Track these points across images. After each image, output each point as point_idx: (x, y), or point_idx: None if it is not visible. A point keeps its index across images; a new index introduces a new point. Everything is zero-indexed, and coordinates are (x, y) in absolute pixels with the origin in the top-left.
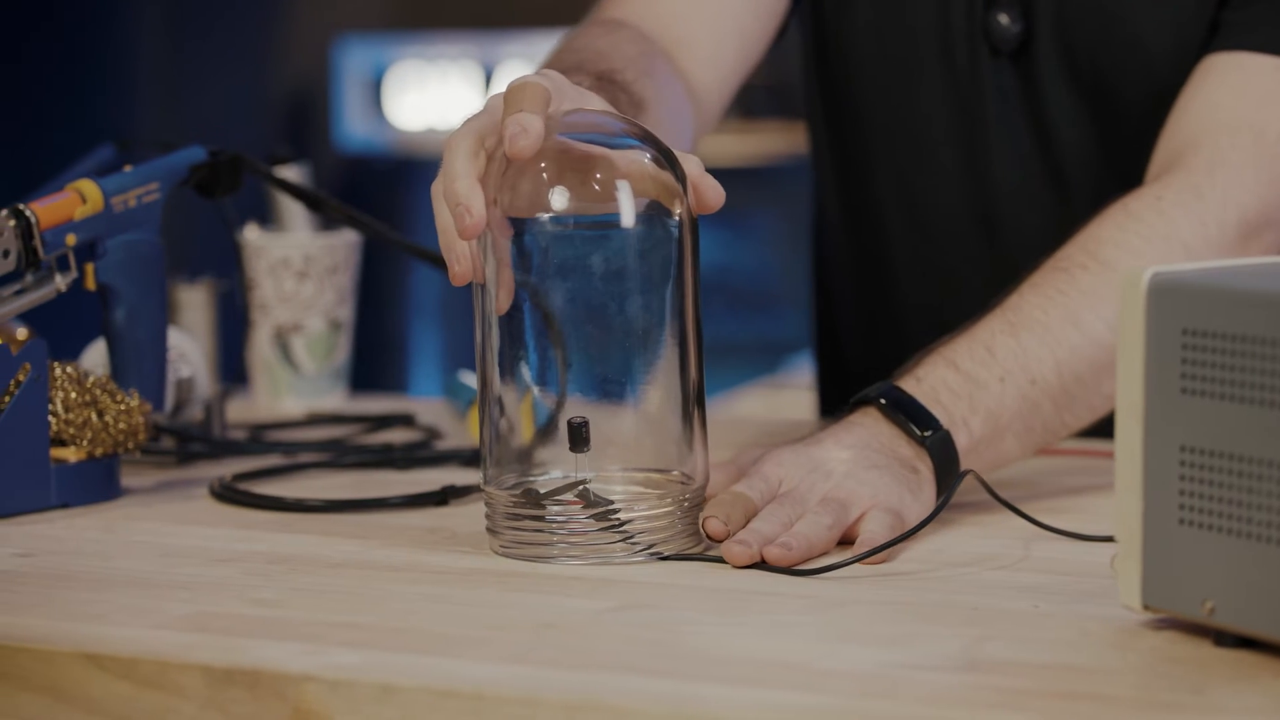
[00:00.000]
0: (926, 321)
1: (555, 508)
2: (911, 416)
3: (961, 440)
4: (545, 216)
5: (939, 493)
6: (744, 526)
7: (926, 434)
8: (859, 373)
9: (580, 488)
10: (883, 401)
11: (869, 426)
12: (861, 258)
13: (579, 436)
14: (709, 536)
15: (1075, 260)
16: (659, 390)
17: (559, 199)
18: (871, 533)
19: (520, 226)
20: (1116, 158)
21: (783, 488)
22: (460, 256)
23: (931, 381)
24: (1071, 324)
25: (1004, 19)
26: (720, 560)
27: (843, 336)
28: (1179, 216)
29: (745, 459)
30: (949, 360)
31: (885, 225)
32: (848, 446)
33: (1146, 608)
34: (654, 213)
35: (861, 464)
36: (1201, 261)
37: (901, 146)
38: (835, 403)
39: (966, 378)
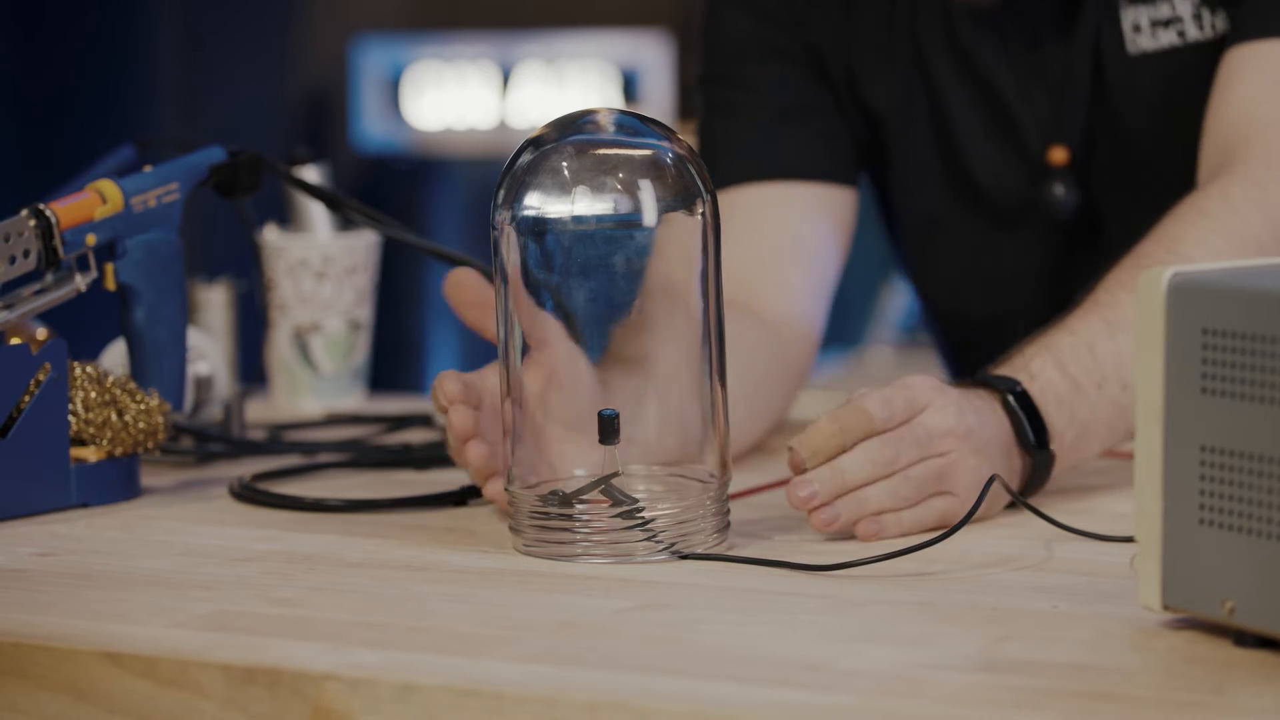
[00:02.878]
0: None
1: (581, 505)
2: (1032, 425)
3: (1055, 452)
4: (567, 216)
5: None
6: (836, 460)
7: (1039, 452)
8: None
9: (606, 484)
10: (1010, 399)
11: (998, 422)
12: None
13: (610, 429)
14: (791, 466)
15: (1157, 257)
16: (682, 389)
17: (581, 198)
18: (912, 518)
19: (542, 226)
20: None
21: (912, 426)
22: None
23: (1042, 383)
24: None
25: (1059, 190)
26: (740, 560)
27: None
28: (1249, 211)
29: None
30: (1058, 360)
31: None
32: (986, 443)
33: (1166, 608)
34: (676, 211)
35: (984, 470)
36: (1268, 252)
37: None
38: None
39: (1072, 383)
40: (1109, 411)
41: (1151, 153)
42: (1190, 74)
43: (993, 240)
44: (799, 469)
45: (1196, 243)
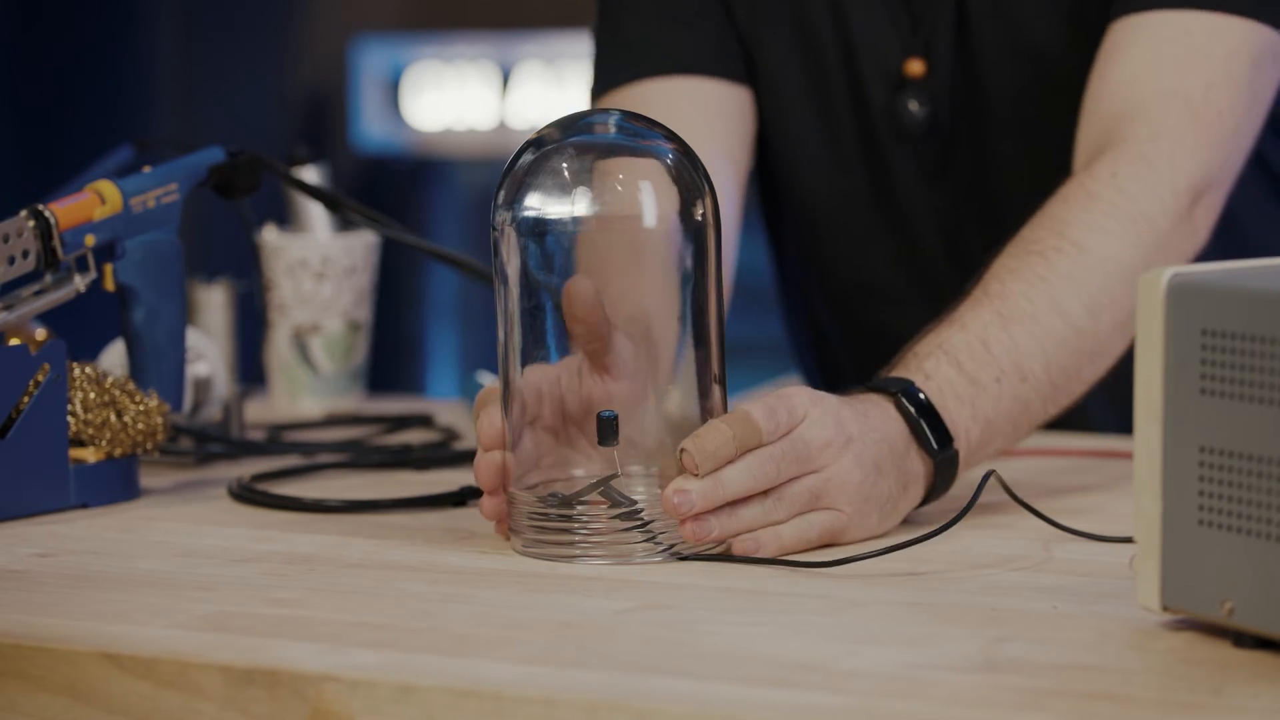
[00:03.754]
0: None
1: (581, 506)
2: (931, 426)
3: (960, 450)
4: (567, 217)
5: (922, 501)
6: (718, 471)
7: (941, 452)
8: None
9: (605, 485)
10: (904, 402)
11: (889, 427)
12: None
13: (609, 430)
14: (682, 465)
15: (1048, 243)
16: (681, 390)
17: (581, 199)
18: (793, 534)
19: (542, 227)
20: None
21: (792, 440)
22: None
23: (939, 381)
24: (1056, 313)
25: (913, 105)
26: (739, 560)
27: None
28: (1137, 191)
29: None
30: (952, 358)
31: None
32: (869, 452)
33: (1165, 608)
34: (676, 212)
35: (869, 482)
36: (1161, 230)
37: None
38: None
39: (969, 380)
40: (1011, 405)
41: (1006, 81)
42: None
43: (872, 179)
44: (692, 469)
45: (1085, 225)
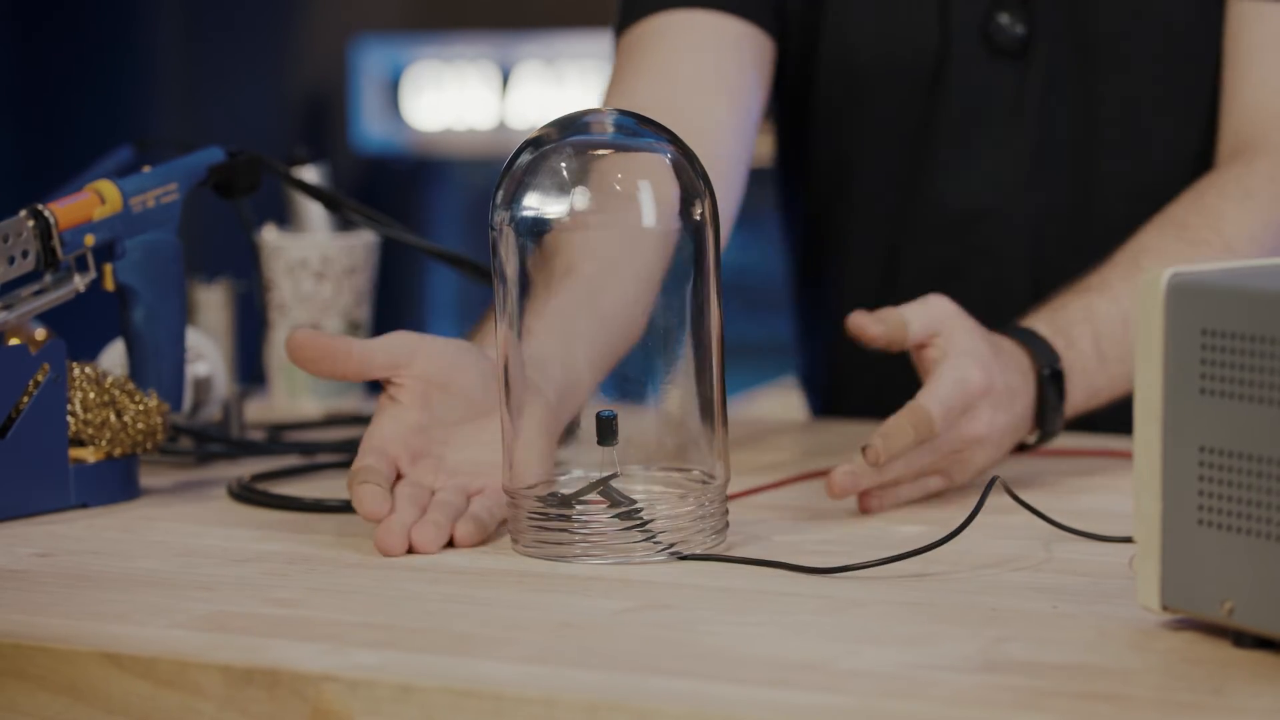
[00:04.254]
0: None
1: (580, 506)
2: (1054, 396)
3: (1066, 415)
4: (565, 216)
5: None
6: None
7: (1047, 430)
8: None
9: (605, 485)
10: (1044, 374)
11: (1025, 401)
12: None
13: (608, 430)
14: (869, 458)
15: (1201, 234)
16: (680, 389)
17: (579, 199)
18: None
19: (541, 226)
20: (1114, 143)
21: (953, 437)
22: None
23: (1076, 353)
24: None
25: (1005, 19)
26: (739, 560)
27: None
28: (1270, 217)
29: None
30: (1095, 331)
31: (869, 225)
32: (1005, 440)
33: (1165, 608)
34: (673, 212)
35: (991, 463)
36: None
37: (895, 148)
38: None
39: (1100, 357)
40: (1120, 383)
41: (1115, 18)
42: None
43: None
44: (875, 463)
45: (1238, 226)
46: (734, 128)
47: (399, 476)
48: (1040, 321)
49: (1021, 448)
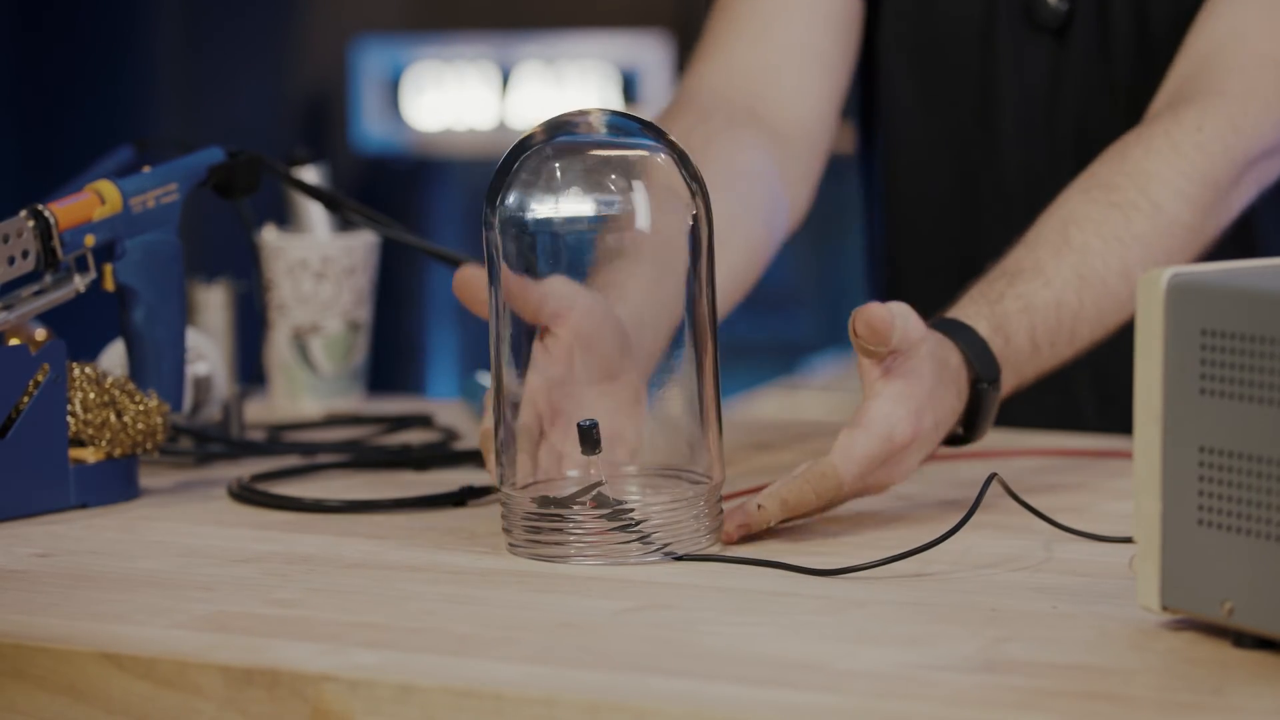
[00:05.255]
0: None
1: (574, 508)
2: (986, 417)
3: (992, 409)
4: (559, 216)
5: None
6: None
7: (974, 432)
8: None
9: (595, 490)
10: (981, 388)
11: (951, 411)
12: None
13: (589, 439)
14: (758, 521)
15: (1128, 196)
16: (675, 390)
17: (574, 199)
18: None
19: (533, 226)
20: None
21: (871, 484)
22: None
23: (1009, 350)
24: (1124, 279)
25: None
26: (736, 560)
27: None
28: (1217, 153)
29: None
30: (1031, 324)
31: (935, 206)
32: (939, 437)
33: (1165, 609)
34: (667, 212)
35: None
36: (1223, 196)
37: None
38: None
39: (1033, 349)
40: (1047, 366)
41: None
42: None
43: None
44: (766, 525)
45: (1164, 184)
46: (822, 99)
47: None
48: (981, 319)
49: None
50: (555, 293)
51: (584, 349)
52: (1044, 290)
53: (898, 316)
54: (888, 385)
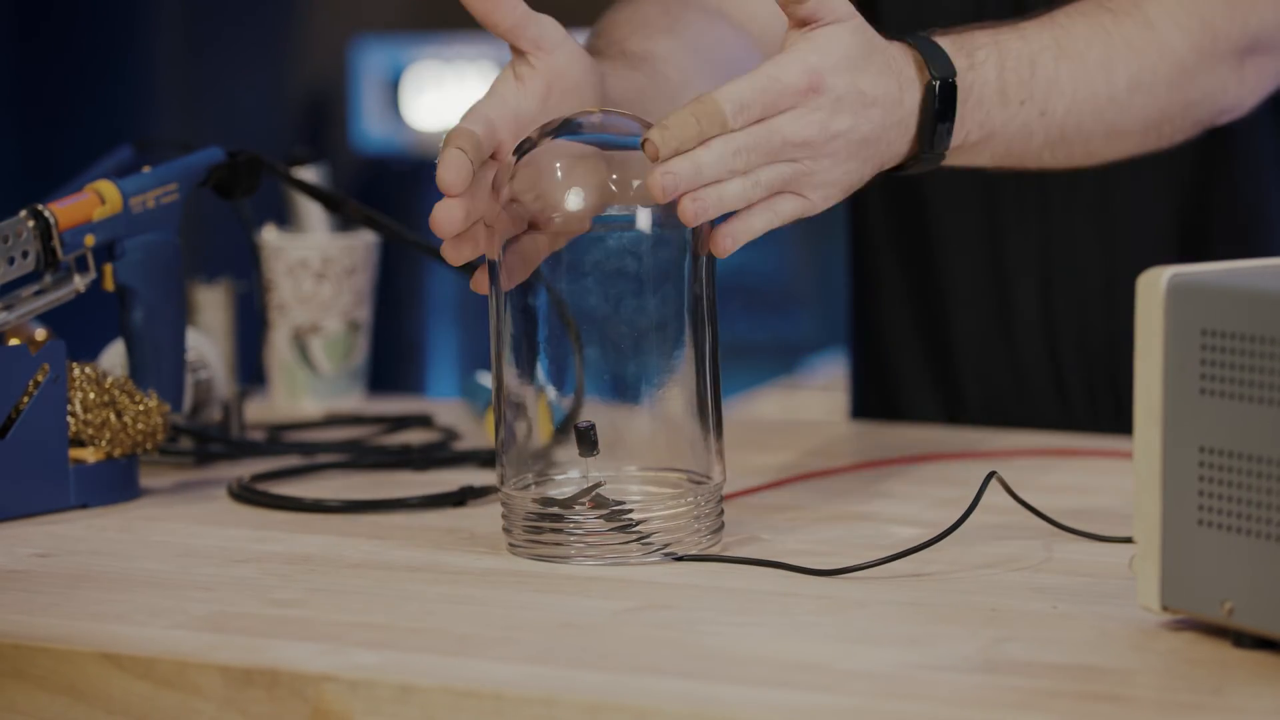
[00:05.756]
0: (972, 295)
1: (571, 510)
2: (941, 114)
3: (954, 142)
4: (560, 217)
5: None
6: (688, 155)
7: (930, 152)
8: (896, 369)
9: (594, 491)
10: (934, 84)
11: (897, 102)
12: (905, 236)
13: (587, 440)
14: (647, 155)
15: (1122, 5)
16: (675, 390)
17: (575, 199)
18: (762, 224)
19: (533, 226)
20: None
21: (765, 132)
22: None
23: (976, 76)
24: (1103, 70)
25: None
26: (736, 560)
27: (883, 331)
28: (1219, 4)
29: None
30: (1000, 62)
31: (929, 202)
32: (857, 144)
33: (1165, 609)
34: (669, 213)
35: (849, 175)
36: (1219, 49)
37: None
38: (871, 402)
39: (1000, 90)
40: (1017, 129)
41: None
42: None
43: None
44: (654, 159)
45: (1160, 6)
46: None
47: (493, 157)
48: (942, 37)
49: (897, 169)
50: (544, 23)
51: (560, 92)
52: (1019, 42)
53: None
54: (781, 50)
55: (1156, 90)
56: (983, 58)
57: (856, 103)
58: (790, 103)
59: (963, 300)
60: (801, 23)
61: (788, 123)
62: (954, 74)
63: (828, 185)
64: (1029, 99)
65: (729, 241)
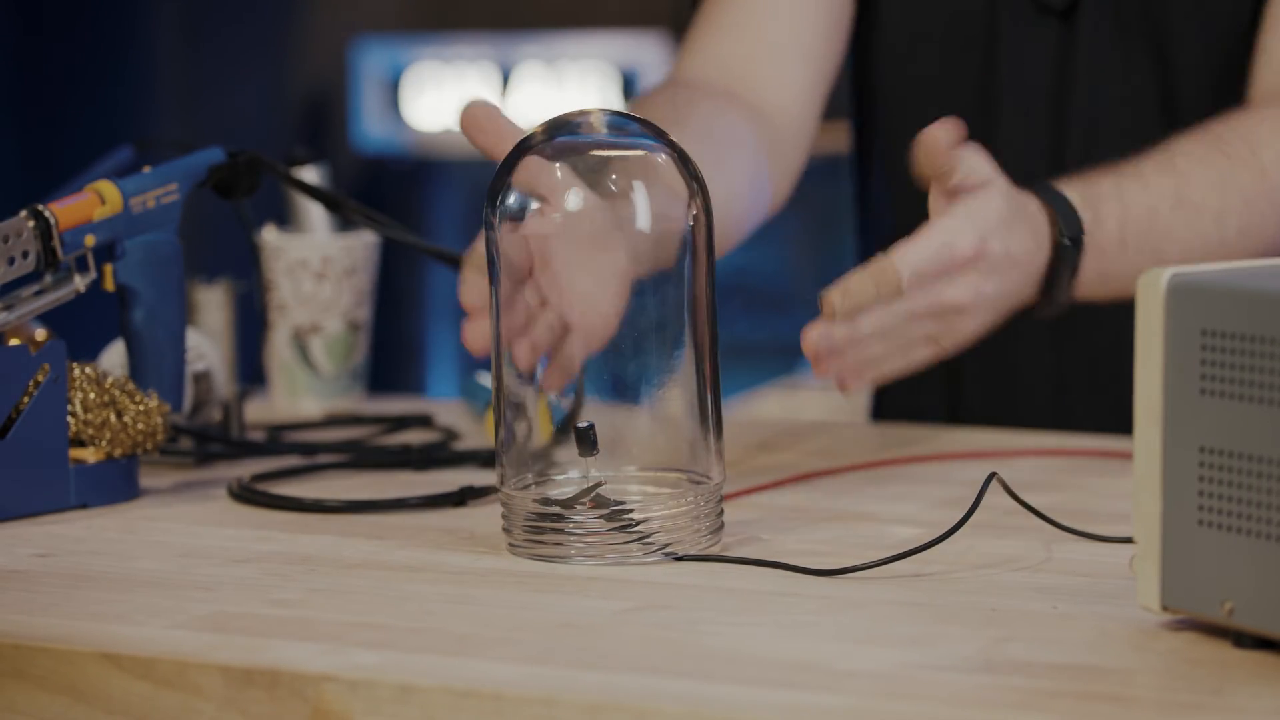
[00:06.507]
0: None
1: (572, 510)
2: (1068, 277)
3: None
4: (559, 216)
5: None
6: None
7: (1050, 302)
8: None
9: (594, 491)
10: (1065, 243)
11: (1029, 267)
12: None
13: (586, 440)
14: (823, 312)
15: (1239, 153)
16: (675, 390)
17: (573, 199)
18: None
19: (533, 226)
20: (1161, 107)
21: (932, 301)
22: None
23: (1101, 233)
24: (1218, 220)
25: None
26: (736, 560)
27: None
28: None
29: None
30: (1123, 214)
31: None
32: (999, 307)
33: (1166, 609)
34: (667, 212)
35: (984, 329)
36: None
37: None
38: (888, 403)
39: (1120, 242)
40: (1131, 273)
41: None
42: None
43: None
44: (830, 315)
45: (1273, 147)
46: (805, 91)
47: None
48: (1071, 189)
49: (1024, 314)
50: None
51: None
52: (1141, 193)
53: (965, 151)
54: (952, 205)
55: (1265, 232)
56: (1106, 212)
57: (1005, 265)
58: (958, 270)
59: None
60: (952, 191)
61: (948, 288)
62: (1082, 232)
63: (963, 336)
64: (1146, 247)
65: (858, 383)
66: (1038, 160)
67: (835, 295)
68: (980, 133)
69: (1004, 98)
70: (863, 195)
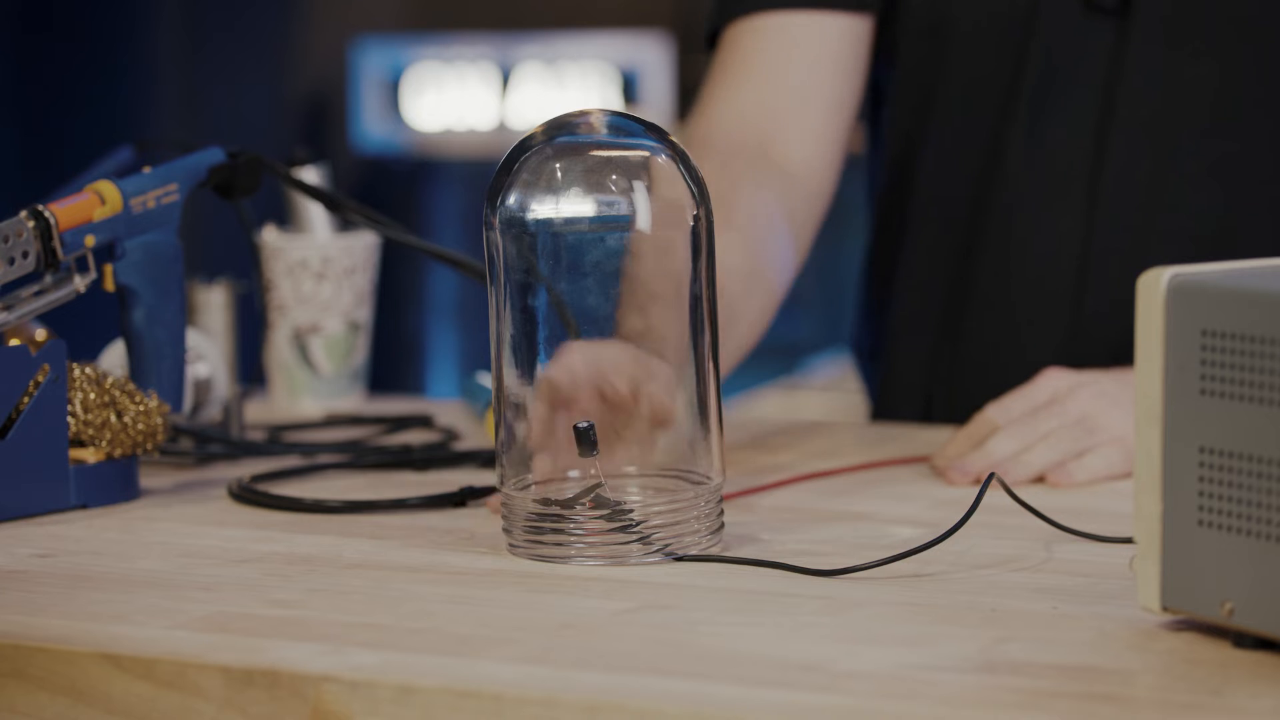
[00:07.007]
0: (999, 296)
1: (573, 511)
2: None
3: None
4: (559, 217)
5: None
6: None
7: None
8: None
9: (594, 491)
10: None
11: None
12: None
13: (586, 440)
14: (936, 473)
15: None
16: (675, 390)
17: (574, 199)
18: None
19: (533, 227)
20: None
21: (1032, 408)
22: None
23: None
24: None
25: None
26: (736, 560)
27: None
28: None
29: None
30: None
31: (960, 198)
32: (1110, 388)
33: (1165, 609)
34: (668, 213)
35: (1120, 413)
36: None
37: (990, 115)
38: (888, 403)
39: None
40: None
41: None
42: None
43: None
44: (942, 474)
45: None
46: (829, 141)
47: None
48: None
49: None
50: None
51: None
52: None
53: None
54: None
55: None
56: None
57: (1115, 388)
58: (1043, 401)
59: (970, 301)
60: None
61: (1065, 405)
62: None
63: (1116, 423)
64: None
65: (1063, 476)
66: (1079, 161)
67: (935, 455)
68: (1016, 133)
69: (1047, 99)
70: (878, 196)
